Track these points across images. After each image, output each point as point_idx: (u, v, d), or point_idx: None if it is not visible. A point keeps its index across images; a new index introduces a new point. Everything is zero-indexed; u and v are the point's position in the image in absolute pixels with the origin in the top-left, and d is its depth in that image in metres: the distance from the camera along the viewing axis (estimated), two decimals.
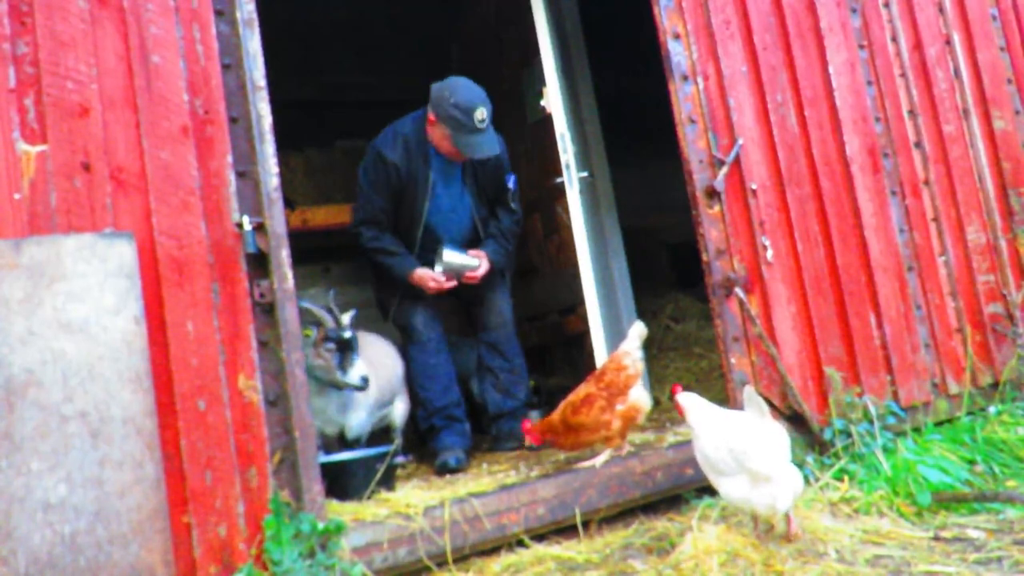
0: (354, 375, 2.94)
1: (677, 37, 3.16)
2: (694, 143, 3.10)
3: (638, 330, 2.96)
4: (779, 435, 2.36)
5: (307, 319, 2.86)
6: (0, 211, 2.06)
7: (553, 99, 3.67)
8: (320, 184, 5.68)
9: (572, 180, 3.60)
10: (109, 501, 1.94)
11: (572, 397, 2.91)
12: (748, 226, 3.14)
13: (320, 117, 5.82)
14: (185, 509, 2.12)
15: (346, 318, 3.03)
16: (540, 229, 4.61)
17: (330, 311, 2.99)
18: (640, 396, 2.88)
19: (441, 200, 3.41)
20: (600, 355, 3.54)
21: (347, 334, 2.95)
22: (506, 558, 2.48)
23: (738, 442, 2.31)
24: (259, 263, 2.33)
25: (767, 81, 3.27)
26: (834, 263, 3.25)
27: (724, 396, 3.17)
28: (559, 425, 2.88)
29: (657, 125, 4.49)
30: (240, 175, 2.36)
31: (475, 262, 3.38)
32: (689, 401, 2.51)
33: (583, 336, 3.96)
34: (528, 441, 3.04)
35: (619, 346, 2.99)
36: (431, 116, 3.22)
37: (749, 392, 2.39)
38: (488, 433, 3.71)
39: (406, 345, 3.52)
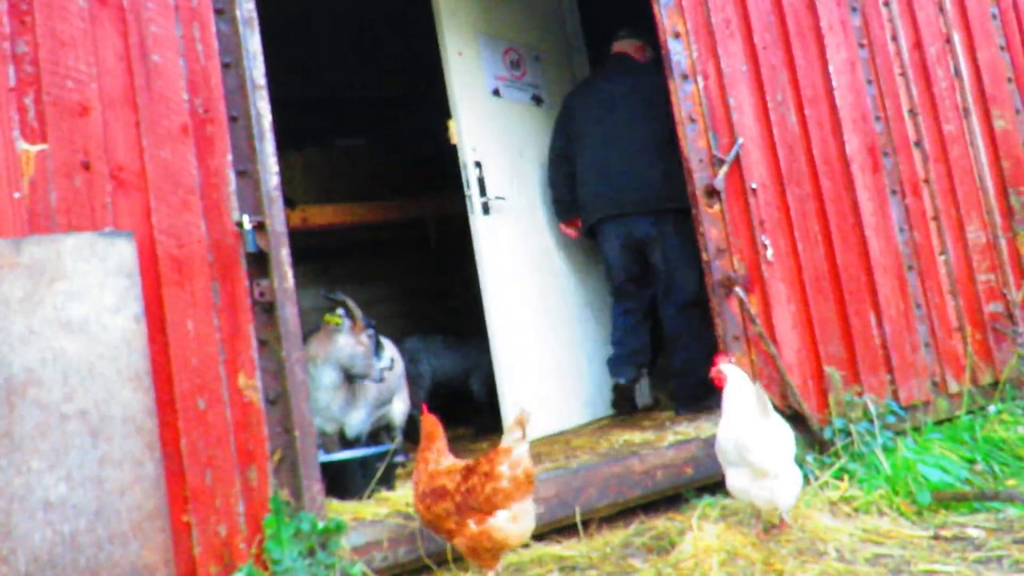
0: (386, 358, 3.09)
1: (677, 36, 3.16)
2: (694, 142, 3.10)
3: (522, 417, 2.16)
4: (784, 433, 2.40)
5: (337, 311, 3.01)
6: (0, 210, 2.06)
7: None
8: (320, 183, 5.68)
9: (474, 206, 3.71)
10: (109, 500, 1.94)
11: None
12: (748, 225, 3.14)
13: (320, 116, 5.82)
14: (185, 508, 2.12)
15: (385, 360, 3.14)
16: None
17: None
18: (504, 524, 2.09)
19: None
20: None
21: (372, 321, 3.08)
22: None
23: (741, 435, 2.36)
24: (259, 262, 2.33)
25: (767, 80, 3.27)
26: (834, 262, 3.25)
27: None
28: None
29: None
30: (240, 174, 2.36)
31: None
32: (731, 372, 2.45)
33: None
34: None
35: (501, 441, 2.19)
36: (642, 44, 4.08)
37: (756, 389, 2.42)
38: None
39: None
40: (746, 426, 2.37)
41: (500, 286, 3.74)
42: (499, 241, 3.81)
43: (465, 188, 3.74)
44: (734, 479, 2.40)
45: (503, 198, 3.84)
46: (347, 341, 3.01)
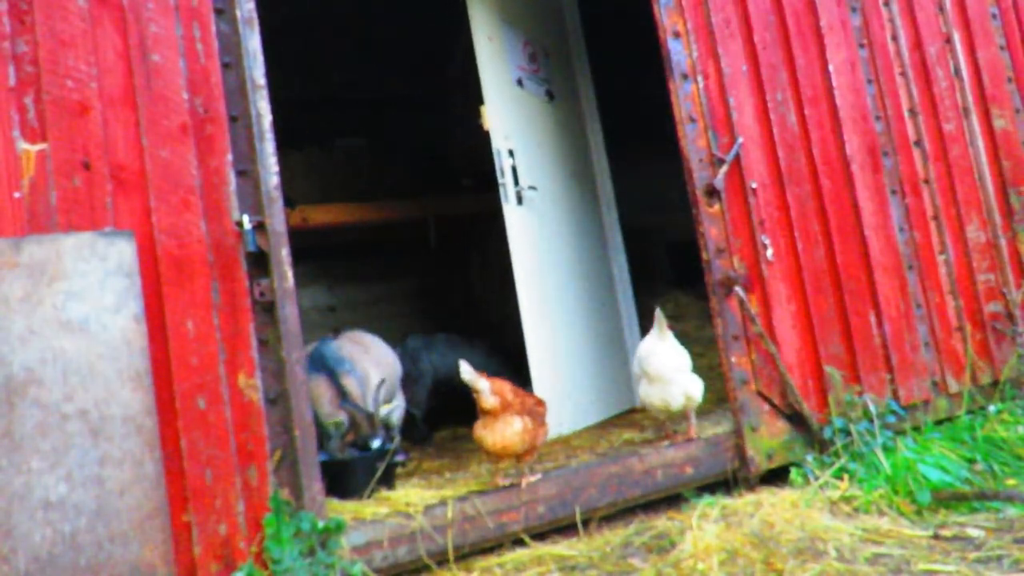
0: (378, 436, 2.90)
1: (677, 36, 3.16)
2: (694, 142, 3.10)
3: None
4: (676, 351, 3.02)
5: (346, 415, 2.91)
6: (0, 210, 2.06)
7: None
8: (320, 183, 5.69)
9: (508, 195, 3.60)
10: (109, 500, 1.94)
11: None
12: (748, 225, 3.14)
13: (320, 116, 5.83)
14: (185, 508, 2.12)
15: (384, 411, 2.96)
16: None
17: (371, 420, 2.92)
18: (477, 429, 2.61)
19: None
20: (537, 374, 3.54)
21: (375, 443, 2.89)
22: (506, 557, 2.48)
23: (640, 351, 3.05)
24: (259, 262, 2.34)
25: (767, 80, 3.27)
26: (834, 262, 3.25)
27: (724, 394, 3.17)
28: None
29: (657, 124, 4.49)
30: (240, 174, 2.37)
31: None
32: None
33: None
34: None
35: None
36: None
37: (657, 314, 3.03)
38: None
39: None
40: (646, 344, 3.05)
41: (533, 278, 3.66)
42: (531, 232, 3.71)
43: (499, 176, 3.60)
44: (640, 389, 3.03)
45: (535, 188, 3.75)
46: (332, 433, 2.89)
